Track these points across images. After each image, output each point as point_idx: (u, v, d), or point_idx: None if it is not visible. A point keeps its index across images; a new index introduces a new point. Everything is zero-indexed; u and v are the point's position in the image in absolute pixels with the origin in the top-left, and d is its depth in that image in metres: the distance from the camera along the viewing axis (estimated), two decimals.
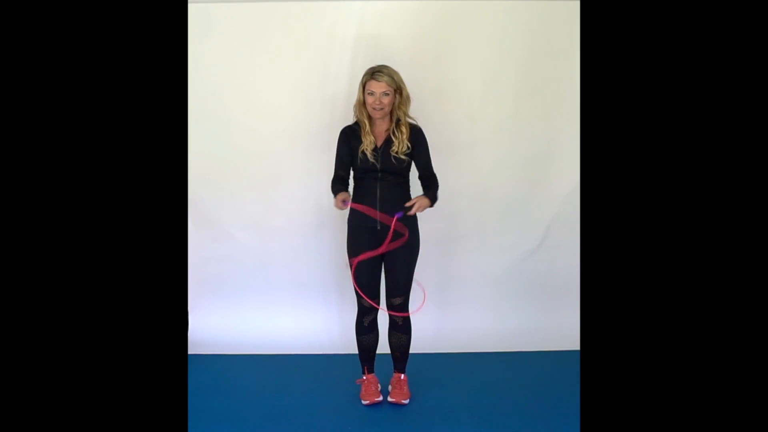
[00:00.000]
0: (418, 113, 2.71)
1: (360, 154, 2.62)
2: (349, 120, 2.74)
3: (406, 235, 2.55)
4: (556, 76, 3.15)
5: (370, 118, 2.63)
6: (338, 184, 2.66)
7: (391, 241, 2.52)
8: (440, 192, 2.67)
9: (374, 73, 2.58)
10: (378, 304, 2.72)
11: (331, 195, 2.66)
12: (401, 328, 2.76)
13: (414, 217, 2.67)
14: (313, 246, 3.34)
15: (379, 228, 2.62)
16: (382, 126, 2.66)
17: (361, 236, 2.67)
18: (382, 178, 2.61)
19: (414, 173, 2.72)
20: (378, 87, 2.57)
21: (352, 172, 2.70)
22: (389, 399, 2.77)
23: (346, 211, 2.70)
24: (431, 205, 2.62)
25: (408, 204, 2.56)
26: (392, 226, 2.51)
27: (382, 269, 2.73)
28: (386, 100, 2.58)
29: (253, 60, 3.14)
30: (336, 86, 3.11)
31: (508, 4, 3.09)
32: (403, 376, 2.82)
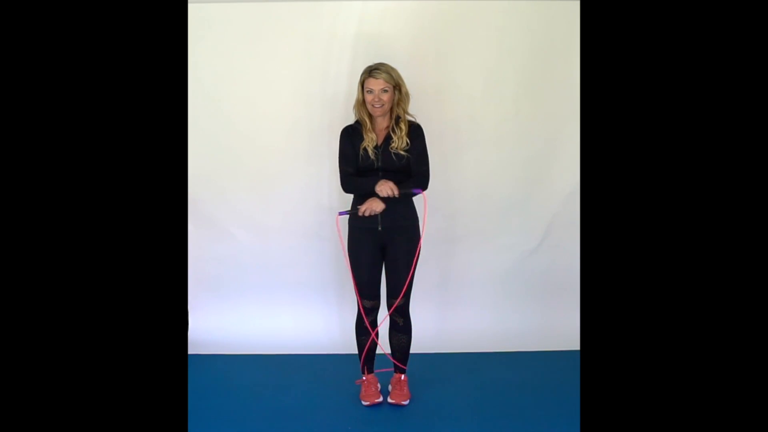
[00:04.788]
0: (418, 113, 2.71)
1: (362, 152, 2.62)
2: (350, 120, 2.74)
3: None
4: (556, 76, 3.15)
5: (370, 116, 2.63)
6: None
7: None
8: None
9: (372, 70, 2.58)
10: (378, 303, 2.74)
11: (338, 197, 2.64)
12: (402, 329, 2.76)
13: (416, 219, 2.67)
14: (312, 246, 3.34)
15: (380, 229, 2.61)
16: (383, 124, 2.66)
17: (362, 237, 2.67)
18: (383, 177, 2.59)
19: None
20: (376, 84, 2.57)
21: None
22: (389, 400, 2.77)
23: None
24: (395, 195, 2.52)
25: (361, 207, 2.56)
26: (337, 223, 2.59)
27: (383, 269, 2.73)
28: (385, 97, 2.58)
29: (252, 60, 3.14)
30: (336, 86, 3.11)
31: (508, 4, 3.09)
32: (403, 376, 2.81)
